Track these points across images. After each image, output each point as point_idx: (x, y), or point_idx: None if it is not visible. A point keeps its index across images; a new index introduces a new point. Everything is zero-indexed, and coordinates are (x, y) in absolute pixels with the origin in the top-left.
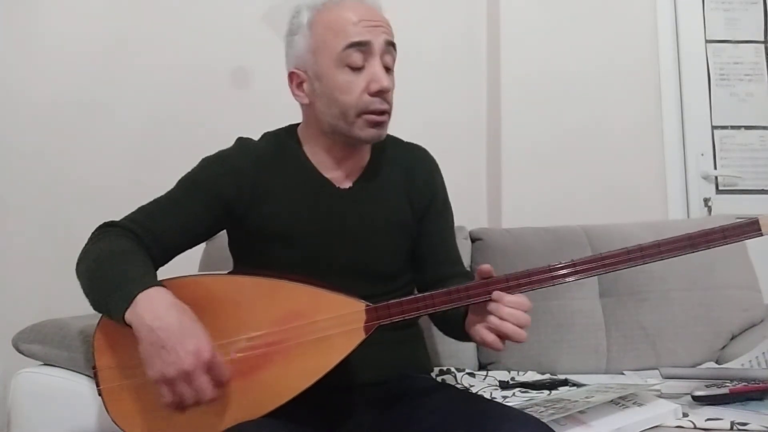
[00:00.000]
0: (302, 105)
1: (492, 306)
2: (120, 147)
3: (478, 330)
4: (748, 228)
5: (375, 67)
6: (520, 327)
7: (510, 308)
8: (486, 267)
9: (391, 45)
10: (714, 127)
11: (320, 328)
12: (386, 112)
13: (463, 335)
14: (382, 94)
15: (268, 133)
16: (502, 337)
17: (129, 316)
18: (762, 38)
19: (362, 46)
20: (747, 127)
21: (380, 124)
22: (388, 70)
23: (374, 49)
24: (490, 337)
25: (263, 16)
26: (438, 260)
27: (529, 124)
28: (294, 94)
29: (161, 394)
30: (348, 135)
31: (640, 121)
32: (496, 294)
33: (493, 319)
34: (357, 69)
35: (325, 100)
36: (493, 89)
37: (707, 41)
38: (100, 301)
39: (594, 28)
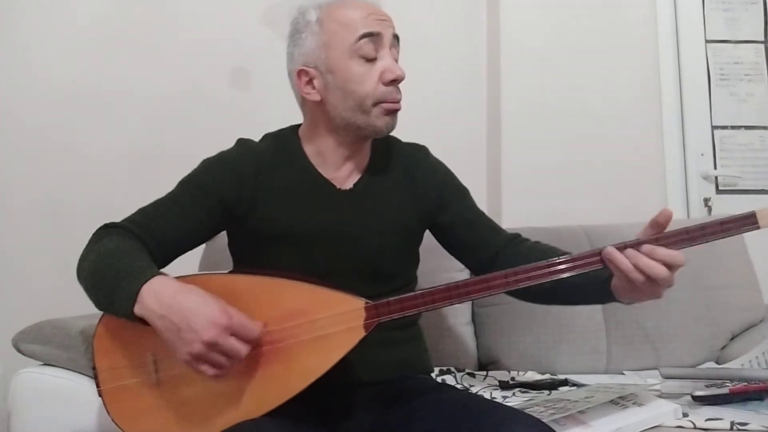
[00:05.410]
0: (308, 104)
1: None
2: (120, 147)
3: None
4: (745, 221)
5: (387, 57)
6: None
7: (649, 260)
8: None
9: (396, 38)
10: (714, 127)
11: (320, 326)
12: (400, 100)
13: (607, 296)
14: (396, 83)
15: (268, 134)
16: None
17: (138, 310)
18: (762, 38)
19: (374, 37)
20: (747, 127)
21: (394, 113)
22: (395, 62)
23: (384, 41)
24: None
25: (263, 16)
26: (481, 238)
27: (528, 125)
28: (302, 92)
29: (201, 372)
30: (364, 126)
31: (640, 122)
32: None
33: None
34: (370, 60)
35: (339, 93)
36: (494, 90)
37: (707, 41)
38: (104, 300)
39: (594, 28)
